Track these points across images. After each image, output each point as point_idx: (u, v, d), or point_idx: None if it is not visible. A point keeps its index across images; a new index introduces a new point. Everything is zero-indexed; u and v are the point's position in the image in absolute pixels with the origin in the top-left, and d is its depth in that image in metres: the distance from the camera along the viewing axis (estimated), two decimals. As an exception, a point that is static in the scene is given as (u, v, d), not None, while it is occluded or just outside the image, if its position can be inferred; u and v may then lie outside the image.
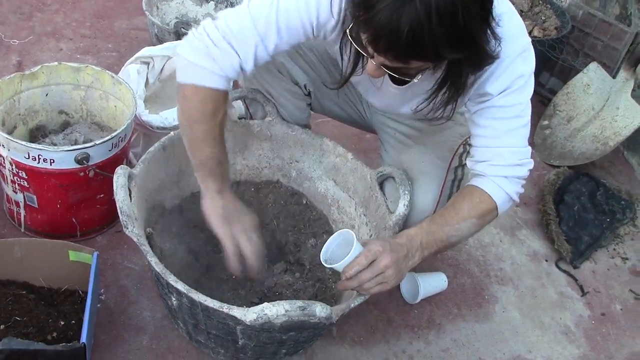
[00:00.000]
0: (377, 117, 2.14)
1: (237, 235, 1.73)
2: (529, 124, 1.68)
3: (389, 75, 1.51)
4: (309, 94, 2.07)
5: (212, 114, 1.65)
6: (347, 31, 1.45)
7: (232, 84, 1.70)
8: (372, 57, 1.42)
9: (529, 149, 1.70)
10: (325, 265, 1.59)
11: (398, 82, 1.69)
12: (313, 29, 1.60)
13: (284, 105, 2.06)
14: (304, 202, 2.17)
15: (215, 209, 1.75)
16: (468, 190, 1.72)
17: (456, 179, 1.95)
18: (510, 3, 1.60)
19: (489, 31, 1.39)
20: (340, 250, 1.59)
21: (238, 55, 1.59)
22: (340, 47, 1.57)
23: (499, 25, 1.41)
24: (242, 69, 1.62)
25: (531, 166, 1.72)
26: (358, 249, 1.56)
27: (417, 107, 1.69)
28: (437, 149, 1.93)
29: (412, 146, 2.02)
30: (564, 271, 2.54)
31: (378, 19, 1.30)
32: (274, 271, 2.00)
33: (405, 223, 1.87)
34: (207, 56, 1.58)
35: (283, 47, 1.63)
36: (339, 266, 1.56)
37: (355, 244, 1.55)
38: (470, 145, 1.76)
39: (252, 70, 1.65)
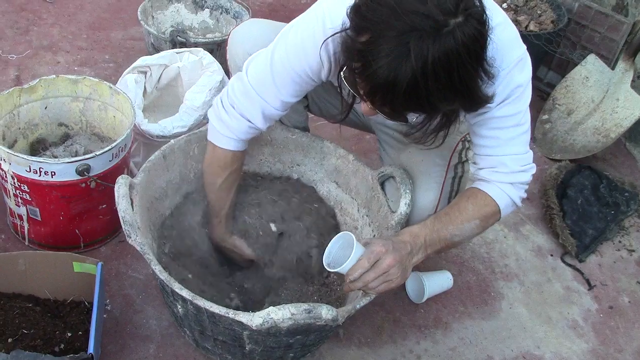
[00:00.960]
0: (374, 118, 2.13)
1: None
2: (529, 130, 1.69)
3: None
4: (305, 96, 2.06)
5: (218, 172, 1.90)
6: (342, 75, 1.47)
7: (246, 144, 1.88)
8: (364, 100, 1.45)
9: (531, 153, 1.72)
10: (328, 269, 1.59)
11: None
12: (311, 77, 1.70)
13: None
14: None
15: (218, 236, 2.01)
16: (472, 192, 1.73)
17: (456, 177, 1.94)
18: (504, 13, 1.60)
19: (485, 77, 1.40)
20: (343, 253, 1.59)
21: (246, 119, 1.78)
22: (339, 83, 1.57)
23: (491, 66, 1.41)
24: (255, 129, 1.81)
25: (533, 171, 1.74)
26: (359, 250, 1.56)
27: (409, 131, 1.65)
28: (436, 148, 1.93)
29: (411, 145, 2.00)
30: (570, 265, 2.53)
31: (375, 76, 1.32)
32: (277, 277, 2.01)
33: (407, 222, 1.87)
34: (221, 121, 1.81)
35: (290, 99, 1.75)
36: (342, 269, 1.56)
37: (355, 246, 1.55)
38: (469, 141, 1.76)
39: (269, 126, 1.83)
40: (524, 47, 1.62)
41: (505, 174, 1.69)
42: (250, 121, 1.78)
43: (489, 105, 1.56)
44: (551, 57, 3.30)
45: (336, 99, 2.09)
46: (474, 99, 1.41)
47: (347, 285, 1.60)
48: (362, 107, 1.50)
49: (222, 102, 1.80)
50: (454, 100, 1.36)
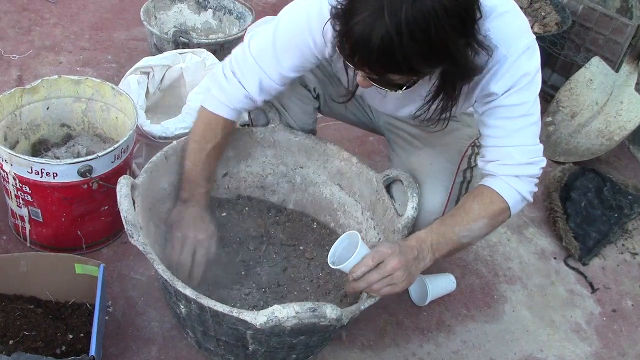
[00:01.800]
0: (384, 118, 2.13)
1: (184, 244, 1.87)
2: (539, 122, 1.67)
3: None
4: (317, 97, 2.06)
5: (206, 138, 1.86)
6: (337, 46, 1.47)
7: (239, 115, 1.88)
8: (357, 68, 1.46)
9: (540, 146, 1.69)
10: (332, 266, 1.58)
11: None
12: (315, 54, 1.71)
13: (290, 108, 2.05)
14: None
15: (176, 215, 1.91)
16: (479, 191, 1.71)
17: (465, 181, 1.93)
18: (514, 2, 1.60)
19: (473, 44, 1.40)
20: (348, 253, 1.58)
21: (243, 87, 1.78)
22: (344, 63, 1.57)
23: (485, 18, 1.42)
24: (251, 99, 1.80)
25: (543, 164, 1.70)
26: (364, 250, 1.55)
27: (416, 112, 1.70)
28: (445, 152, 1.92)
29: (421, 148, 2.00)
30: (573, 268, 2.52)
31: (352, 33, 1.34)
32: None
33: (414, 226, 1.86)
34: (219, 86, 1.81)
35: (289, 73, 1.76)
36: (345, 267, 1.56)
37: (360, 245, 1.54)
38: (480, 145, 1.75)
39: (264, 99, 1.83)
40: (533, 36, 1.61)
41: (511, 166, 1.66)
42: (246, 90, 1.78)
43: (496, 93, 1.58)
44: (555, 59, 3.29)
45: (352, 102, 2.10)
46: (460, 64, 1.40)
47: (350, 284, 1.59)
48: (357, 77, 1.51)
49: (222, 69, 1.81)
50: (437, 63, 1.37)
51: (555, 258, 2.56)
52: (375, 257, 1.54)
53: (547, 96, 3.36)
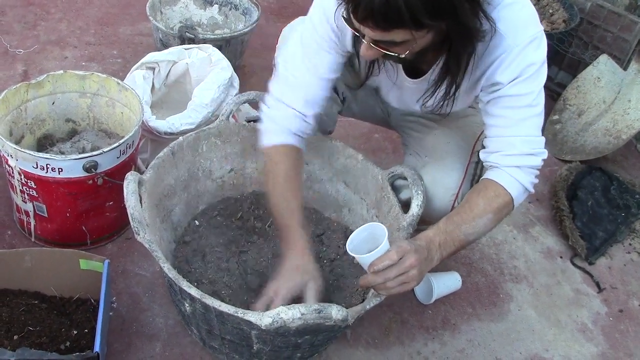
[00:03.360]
0: (399, 112, 2.15)
1: (273, 294, 1.68)
2: (542, 114, 1.67)
3: (393, 60, 1.59)
4: (342, 101, 2.08)
5: (274, 168, 1.82)
6: (342, 14, 1.49)
7: (299, 140, 1.84)
8: (362, 35, 1.47)
9: (543, 139, 1.69)
10: (352, 254, 1.55)
11: (411, 75, 1.76)
12: (338, 45, 1.74)
13: None
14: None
15: (278, 264, 1.80)
16: (483, 185, 1.71)
17: (479, 162, 1.92)
18: None
19: (477, 9, 1.43)
20: (366, 244, 1.56)
21: (289, 107, 1.79)
22: (354, 46, 1.61)
23: (494, 8, 1.49)
24: (302, 117, 1.81)
25: (545, 156, 1.71)
26: (387, 245, 1.53)
27: (424, 101, 1.73)
28: (461, 132, 1.92)
29: (437, 128, 2.03)
30: (579, 268, 2.51)
31: None
32: None
33: (429, 205, 1.87)
34: (268, 118, 1.82)
35: (327, 74, 1.79)
36: (366, 258, 1.53)
37: (386, 239, 1.52)
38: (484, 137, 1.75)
39: (315, 113, 1.82)
40: (541, 27, 1.62)
41: (514, 157, 1.66)
42: (293, 108, 1.79)
43: (501, 82, 1.60)
44: (562, 57, 3.28)
45: (372, 99, 2.12)
46: (462, 23, 1.42)
47: (367, 278, 1.55)
48: (362, 49, 1.52)
49: (266, 103, 1.83)
50: (437, 16, 1.37)
51: (561, 257, 2.55)
52: (399, 251, 1.52)
53: (554, 94, 3.35)
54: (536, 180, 1.73)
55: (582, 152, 2.98)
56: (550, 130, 3.14)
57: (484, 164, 1.76)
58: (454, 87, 1.62)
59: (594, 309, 2.37)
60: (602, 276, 2.50)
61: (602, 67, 3.08)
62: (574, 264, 2.52)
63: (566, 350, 2.19)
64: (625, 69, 3.02)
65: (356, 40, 1.64)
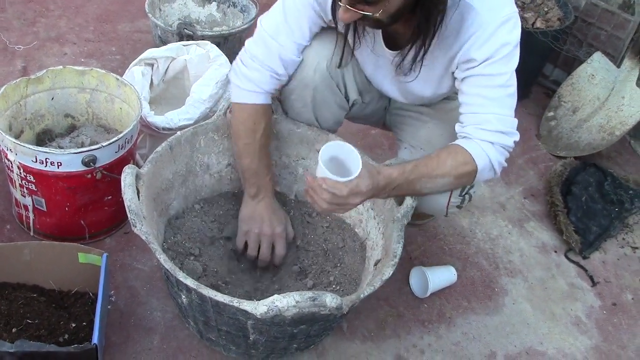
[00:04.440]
0: (395, 104, 2.19)
1: (249, 238, 2.00)
2: (515, 96, 1.72)
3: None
4: (351, 106, 2.11)
5: (251, 129, 1.91)
6: None
7: (270, 97, 1.95)
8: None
9: (516, 120, 1.73)
10: (322, 165, 1.58)
11: (393, 47, 1.82)
12: (320, 14, 1.82)
13: (325, 118, 2.08)
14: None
15: (243, 212, 2.01)
16: (454, 149, 1.73)
17: None
18: None
19: None
20: (335, 165, 1.61)
21: (267, 67, 1.87)
22: (333, 15, 1.71)
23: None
24: (277, 77, 1.90)
25: (517, 138, 1.75)
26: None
27: (396, 64, 1.79)
28: (452, 123, 1.94)
29: (429, 122, 2.06)
30: (574, 262, 2.53)
31: None
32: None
33: (413, 215, 1.88)
34: (243, 76, 1.88)
35: (303, 41, 1.87)
36: (331, 177, 1.56)
37: (357, 173, 1.56)
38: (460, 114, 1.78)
39: (289, 74, 1.92)
40: (516, 9, 1.67)
41: (489, 132, 1.70)
42: (270, 68, 1.87)
43: (475, 59, 1.65)
44: (557, 55, 3.30)
45: (377, 103, 2.17)
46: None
47: (313, 182, 1.61)
48: (339, 13, 1.57)
49: (241, 60, 1.90)
50: None
51: (556, 252, 2.56)
52: (352, 190, 1.57)
53: (549, 91, 3.37)
54: (505, 164, 1.77)
55: (576, 149, 3.00)
56: (545, 126, 3.16)
57: (457, 135, 1.78)
58: (423, 48, 1.65)
59: (587, 302, 2.39)
60: (596, 270, 2.52)
61: (597, 64, 3.09)
62: (568, 259, 2.54)
63: (560, 343, 2.21)
64: (618, 66, 3.04)
65: (335, 9, 1.70)
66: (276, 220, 2.01)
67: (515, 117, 1.73)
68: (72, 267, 1.89)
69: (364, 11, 1.52)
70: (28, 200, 2.06)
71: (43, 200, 2.04)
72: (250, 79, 1.87)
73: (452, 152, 1.72)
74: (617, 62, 3.09)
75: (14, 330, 1.78)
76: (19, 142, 1.89)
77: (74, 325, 1.84)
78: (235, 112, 1.94)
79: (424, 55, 1.67)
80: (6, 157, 1.99)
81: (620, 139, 2.92)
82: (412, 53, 1.69)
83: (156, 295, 2.07)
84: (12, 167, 1.99)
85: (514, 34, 1.66)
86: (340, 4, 1.53)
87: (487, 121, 1.69)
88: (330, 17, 1.79)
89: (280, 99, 2.06)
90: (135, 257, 2.17)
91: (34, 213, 2.10)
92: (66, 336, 1.81)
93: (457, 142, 1.75)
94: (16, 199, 2.12)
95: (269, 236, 1.99)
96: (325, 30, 1.92)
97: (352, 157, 1.61)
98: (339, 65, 1.92)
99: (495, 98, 1.69)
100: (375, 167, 1.68)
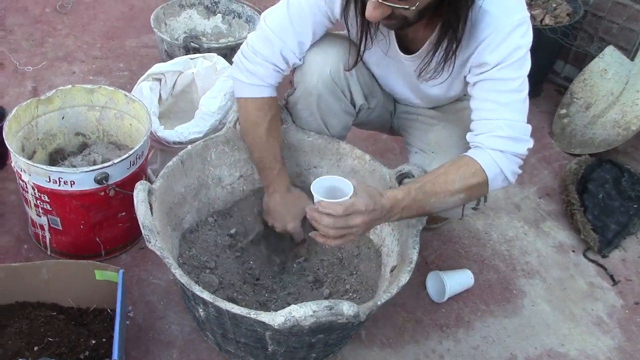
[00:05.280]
0: (401, 107, 2.19)
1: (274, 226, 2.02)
2: (527, 101, 1.71)
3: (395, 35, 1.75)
4: (357, 113, 2.11)
5: (258, 123, 1.91)
6: None
7: (275, 90, 1.94)
8: None
9: (529, 126, 1.72)
10: (313, 192, 1.59)
11: (406, 51, 1.83)
12: (327, 13, 1.82)
13: (332, 125, 2.08)
14: None
15: (265, 207, 2.03)
16: (463, 162, 1.72)
17: None
18: None
19: None
20: (330, 195, 1.60)
21: (270, 62, 1.87)
22: (344, 14, 1.74)
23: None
24: (279, 71, 1.90)
25: (530, 145, 1.73)
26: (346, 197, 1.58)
27: (421, 68, 1.78)
28: (461, 126, 1.95)
29: (438, 124, 2.05)
30: (593, 261, 2.51)
31: None
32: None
33: (428, 220, 1.87)
34: (247, 71, 1.88)
35: (306, 40, 1.87)
36: (319, 199, 1.57)
37: (349, 197, 1.56)
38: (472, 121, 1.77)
39: (291, 67, 1.93)
40: (527, 14, 1.66)
41: (499, 138, 1.68)
42: (273, 63, 1.87)
43: (488, 63, 1.65)
44: (568, 51, 3.28)
45: (385, 108, 2.17)
46: None
47: (311, 211, 1.60)
48: (367, 10, 1.55)
49: (243, 55, 1.90)
50: None
51: (574, 251, 2.54)
52: (348, 209, 1.55)
53: (561, 88, 3.35)
54: (519, 171, 1.75)
55: (591, 145, 2.98)
56: (558, 124, 3.14)
57: (470, 144, 1.77)
58: (452, 47, 1.65)
59: (609, 302, 2.36)
60: (616, 269, 2.49)
61: (609, 58, 3.07)
62: (587, 258, 2.52)
63: (582, 344, 2.19)
64: (632, 59, 3.01)
65: (346, 9, 1.75)
66: (288, 215, 1.98)
67: (528, 124, 1.72)
68: (90, 284, 1.90)
69: (398, 4, 1.50)
70: (44, 220, 2.07)
71: (58, 219, 2.05)
72: (254, 73, 1.87)
73: (462, 166, 1.70)
74: (631, 55, 3.06)
75: (35, 348, 1.79)
76: (32, 163, 1.90)
77: (93, 342, 1.84)
78: (241, 107, 1.95)
79: (454, 54, 1.67)
80: (20, 178, 2.00)
81: (636, 133, 2.89)
82: (439, 55, 1.69)
83: (173, 309, 2.07)
84: (26, 187, 2.00)
85: (527, 38, 1.65)
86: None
87: (498, 127, 1.68)
88: (338, 16, 1.80)
89: (289, 109, 2.06)
90: (151, 272, 2.17)
91: (49, 232, 2.11)
92: (87, 353, 1.82)
93: (468, 152, 1.74)
94: (32, 219, 2.13)
95: (281, 229, 2.00)
96: (328, 35, 1.93)
97: (345, 184, 1.61)
98: (351, 68, 1.92)
99: (506, 103, 1.67)
100: (377, 189, 1.66)
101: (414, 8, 1.50)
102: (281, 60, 1.87)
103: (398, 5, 1.50)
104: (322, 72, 1.91)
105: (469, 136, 1.77)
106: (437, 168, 1.75)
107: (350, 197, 1.55)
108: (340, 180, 1.62)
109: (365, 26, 1.75)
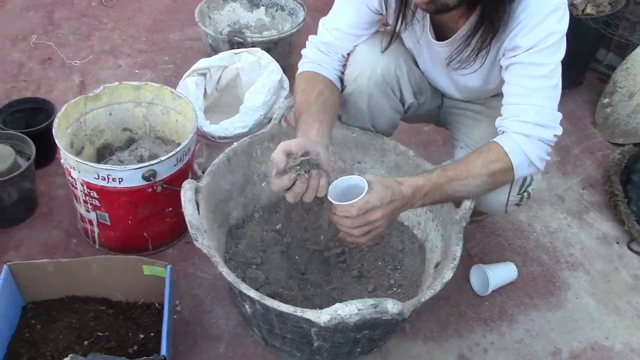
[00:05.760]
0: (448, 102, 2.20)
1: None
2: (559, 89, 1.70)
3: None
4: (406, 110, 2.12)
5: (309, 90, 1.87)
6: None
7: (338, 79, 1.98)
8: None
9: (558, 114, 1.71)
10: (329, 198, 1.60)
11: (438, 37, 1.84)
12: (369, 5, 1.86)
13: (381, 123, 2.10)
14: None
15: None
16: (487, 147, 1.72)
17: None
18: None
19: None
20: (347, 196, 1.60)
21: (334, 53, 1.94)
22: (386, 2, 1.78)
23: None
24: (343, 56, 1.96)
25: (558, 132, 1.71)
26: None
27: (451, 56, 1.79)
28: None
29: (483, 120, 2.06)
30: (637, 252, 2.49)
31: None
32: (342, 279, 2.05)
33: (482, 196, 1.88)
34: (316, 61, 1.95)
35: (346, 29, 1.92)
36: (338, 204, 1.58)
37: (364, 194, 1.56)
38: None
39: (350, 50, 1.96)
40: (565, 0, 1.65)
41: (525, 123, 1.68)
42: (339, 53, 1.95)
43: (520, 46, 1.65)
44: (610, 39, 3.23)
45: (431, 103, 2.18)
46: None
47: (331, 215, 1.62)
48: None
49: (315, 44, 1.97)
50: None
51: (617, 243, 2.53)
52: (363, 207, 1.54)
53: (604, 76, 3.32)
54: (547, 157, 1.74)
55: (635, 135, 2.94)
56: (601, 113, 3.12)
57: (497, 129, 1.77)
58: (489, 35, 1.66)
59: (654, 294, 2.35)
60: (661, 261, 2.48)
61: (652, 47, 3.04)
62: (631, 249, 2.50)
63: (627, 338, 2.18)
64: (675, 48, 2.98)
65: None
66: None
67: (558, 110, 1.71)
68: (138, 279, 1.94)
69: None
70: (92, 215, 2.12)
71: (107, 215, 2.09)
72: (320, 62, 1.94)
73: (484, 152, 1.71)
74: (674, 43, 3.03)
75: (85, 342, 1.84)
76: (81, 161, 1.94)
77: (142, 336, 1.89)
78: (303, 77, 1.94)
79: (489, 44, 1.68)
80: (70, 174, 2.04)
81: (679, 123, 2.86)
82: (474, 43, 1.70)
83: (220, 303, 2.11)
84: (75, 184, 2.05)
85: (562, 24, 1.64)
86: None
87: (524, 112, 1.68)
88: (377, 6, 1.85)
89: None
90: (198, 266, 2.21)
91: (98, 227, 2.16)
92: (135, 347, 1.86)
93: (495, 138, 1.73)
94: (81, 214, 2.18)
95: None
96: (377, 34, 1.94)
97: (361, 182, 1.61)
98: (385, 49, 1.92)
99: (536, 89, 1.67)
100: (396, 179, 1.66)
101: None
102: (343, 50, 1.95)
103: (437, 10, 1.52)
104: (374, 71, 1.92)
105: (497, 121, 1.77)
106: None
107: (365, 194, 1.55)
108: (356, 178, 1.62)
109: (403, 6, 1.76)
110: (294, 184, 1.59)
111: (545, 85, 1.67)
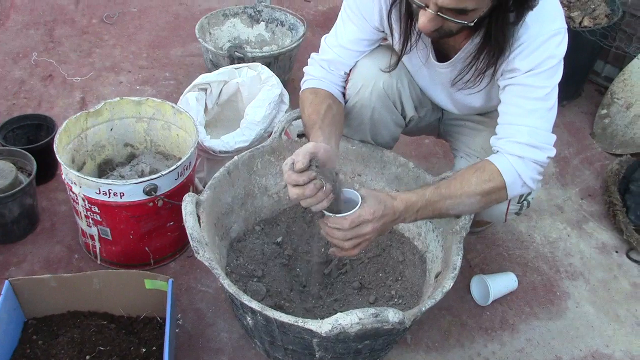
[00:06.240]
0: (448, 114, 2.21)
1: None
2: (555, 111, 1.71)
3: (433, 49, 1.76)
4: (407, 123, 2.14)
5: (315, 104, 1.87)
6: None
7: (340, 95, 1.99)
8: (424, 5, 1.51)
9: (553, 136, 1.72)
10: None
11: (440, 59, 1.85)
12: (368, 22, 1.86)
13: (382, 135, 2.11)
14: None
15: None
16: (481, 165, 1.74)
17: None
18: None
19: None
20: (347, 204, 1.63)
21: (337, 70, 1.96)
22: (388, 22, 1.77)
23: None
24: (345, 72, 1.97)
25: (552, 154, 1.73)
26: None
27: (457, 76, 1.80)
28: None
29: (485, 130, 2.06)
30: (636, 261, 2.50)
31: None
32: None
33: (471, 225, 1.89)
34: (318, 79, 1.96)
35: (347, 45, 1.93)
36: (331, 217, 1.61)
37: (357, 208, 1.59)
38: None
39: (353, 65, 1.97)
40: (565, 25, 1.67)
41: (518, 144, 1.69)
42: (340, 72, 1.96)
43: (519, 69, 1.65)
44: (607, 50, 3.25)
45: (431, 116, 2.20)
46: (503, 8, 1.52)
47: (323, 227, 1.64)
48: (421, 21, 1.56)
49: (318, 61, 1.98)
50: None
51: (617, 252, 2.54)
52: (354, 220, 1.58)
53: (601, 88, 3.33)
54: (539, 177, 1.76)
55: (632, 145, 2.96)
56: (599, 124, 3.13)
57: (492, 149, 1.78)
58: (493, 57, 1.67)
59: (653, 302, 2.36)
60: (660, 269, 2.48)
61: (649, 58, 3.06)
62: (630, 258, 2.51)
63: (627, 346, 2.19)
64: (672, 59, 3.00)
65: (390, 16, 1.77)
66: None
67: (557, 120, 1.72)
68: (140, 293, 1.95)
69: (455, 19, 1.51)
70: (94, 230, 2.13)
71: (108, 230, 2.10)
72: (322, 78, 1.95)
73: (478, 170, 1.72)
74: (670, 55, 3.04)
75: (87, 357, 1.84)
76: (83, 176, 1.96)
77: (144, 350, 1.89)
78: (307, 94, 1.95)
79: (493, 65, 1.69)
80: (71, 189, 2.06)
81: (677, 133, 2.88)
82: (477, 65, 1.71)
83: (222, 316, 2.11)
84: (77, 199, 2.06)
85: (561, 49, 1.66)
86: (428, 9, 1.52)
87: (519, 132, 1.69)
88: (377, 23, 1.85)
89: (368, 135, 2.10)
90: (199, 279, 2.22)
91: (100, 242, 2.17)
92: (137, 361, 1.87)
93: (489, 157, 1.75)
94: (82, 230, 2.19)
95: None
96: (380, 48, 1.96)
97: (355, 195, 1.64)
98: (391, 70, 1.93)
99: (532, 110, 1.68)
100: (390, 193, 1.69)
101: (472, 24, 1.52)
102: (341, 68, 1.96)
103: (458, 20, 1.51)
104: (376, 85, 1.94)
105: (492, 140, 1.78)
106: (456, 171, 1.78)
107: (358, 208, 1.58)
108: (350, 192, 1.65)
109: (408, 32, 1.77)
110: (306, 184, 1.57)
111: (541, 107, 1.69)
